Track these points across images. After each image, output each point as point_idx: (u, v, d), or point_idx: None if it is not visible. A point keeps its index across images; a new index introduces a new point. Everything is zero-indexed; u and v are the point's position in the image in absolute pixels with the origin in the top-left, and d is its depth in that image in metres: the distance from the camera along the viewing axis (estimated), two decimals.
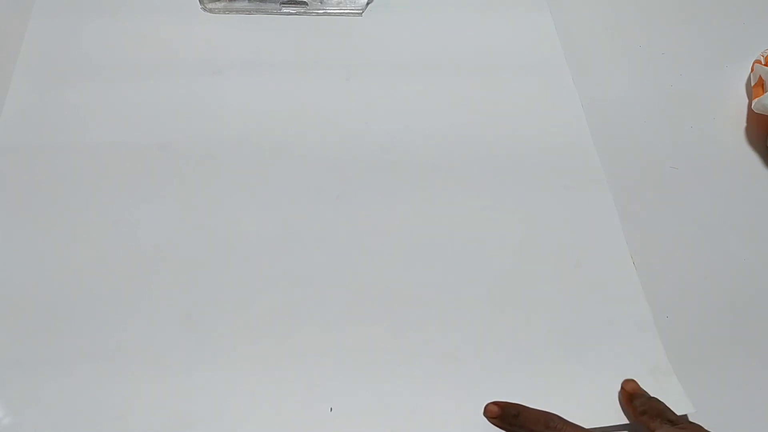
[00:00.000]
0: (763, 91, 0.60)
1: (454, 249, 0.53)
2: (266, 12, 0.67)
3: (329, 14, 0.67)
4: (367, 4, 0.68)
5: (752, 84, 0.62)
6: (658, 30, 0.70)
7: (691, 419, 0.44)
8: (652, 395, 0.45)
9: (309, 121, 0.60)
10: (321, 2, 0.67)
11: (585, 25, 0.69)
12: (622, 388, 0.46)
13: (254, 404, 0.45)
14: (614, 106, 0.63)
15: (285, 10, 0.67)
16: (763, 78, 0.60)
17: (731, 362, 0.49)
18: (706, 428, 0.42)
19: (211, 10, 0.67)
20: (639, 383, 0.46)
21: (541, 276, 0.52)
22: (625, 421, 0.45)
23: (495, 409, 0.45)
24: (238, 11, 0.67)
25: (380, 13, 0.68)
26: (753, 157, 0.60)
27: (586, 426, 0.43)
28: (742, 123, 0.62)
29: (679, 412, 0.44)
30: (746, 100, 0.64)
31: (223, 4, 0.67)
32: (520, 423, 0.44)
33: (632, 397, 0.45)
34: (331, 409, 0.45)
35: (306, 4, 0.67)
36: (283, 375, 0.46)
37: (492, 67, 0.65)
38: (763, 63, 0.62)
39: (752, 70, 0.63)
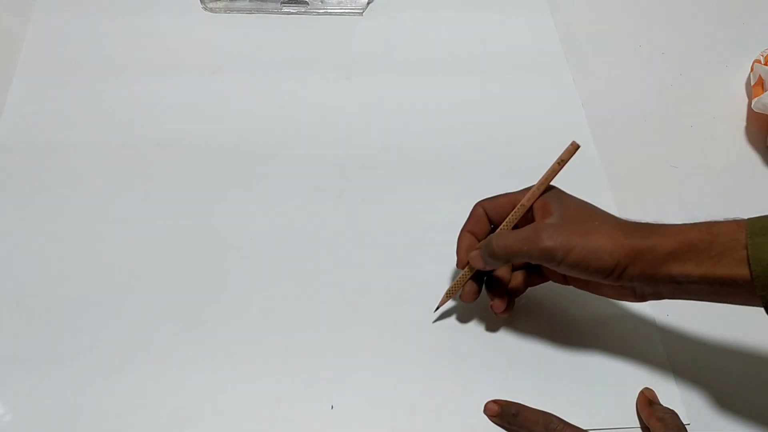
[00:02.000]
0: (763, 90, 0.60)
1: (454, 248, 0.52)
2: (267, 11, 0.67)
3: (330, 14, 0.68)
4: (368, 3, 0.68)
5: (752, 83, 0.62)
6: (658, 30, 0.70)
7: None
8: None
9: (309, 120, 0.60)
10: (322, 2, 0.67)
11: (585, 25, 0.70)
12: (641, 393, 0.46)
13: (255, 401, 0.45)
14: (614, 106, 0.63)
15: (286, 9, 0.67)
16: (763, 77, 0.60)
17: (731, 360, 0.49)
18: None
19: (212, 10, 0.67)
20: (639, 383, 0.47)
21: None
22: (624, 422, 0.45)
23: (495, 407, 0.45)
24: (238, 10, 0.67)
25: (381, 13, 0.68)
26: (753, 156, 0.60)
27: (585, 427, 0.43)
28: (742, 122, 0.63)
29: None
30: (746, 100, 0.64)
31: (223, 3, 0.67)
32: (519, 422, 0.44)
33: (651, 402, 0.45)
34: (332, 406, 0.45)
35: (307, 3, 0.67)
36: (284, 372, 0.46)
37: (492, 67, 0.65)
38: (762, 62, 0.62)
39: (752, 69, 0.63)
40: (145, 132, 0.58)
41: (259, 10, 0.67)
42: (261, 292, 0.50)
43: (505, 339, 0.48)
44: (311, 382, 0.46)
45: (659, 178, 0.58)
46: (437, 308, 0.48)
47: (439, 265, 0.51)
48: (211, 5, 0.67)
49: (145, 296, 0.49)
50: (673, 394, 0.46)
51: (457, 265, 0.47)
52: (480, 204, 0.46)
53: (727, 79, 0.66)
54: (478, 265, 0.45)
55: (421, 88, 0.63)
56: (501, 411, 0.44)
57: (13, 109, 0.58)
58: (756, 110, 0.59)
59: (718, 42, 0.69)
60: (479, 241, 0.46)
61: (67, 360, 0.46)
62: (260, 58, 0.64)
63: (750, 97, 0.63)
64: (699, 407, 0.46)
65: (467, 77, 0.64)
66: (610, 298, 0.44)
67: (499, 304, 0.46)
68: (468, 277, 0.47)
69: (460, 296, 0.47)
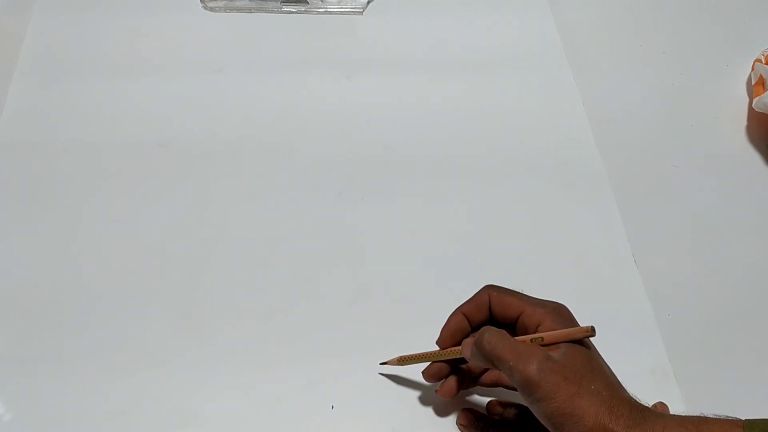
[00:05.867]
0: (764, 90, 0.59)
1: (455, 247, 0.53)
2: (267, 10, 0.67)
3: (330, 13, 0.68)
4: (368, 2, 0.68)
5: (753, 83, 0.62)
6: (659, 29, 0.70)
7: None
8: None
9: (310, 119, 0.60)
10: (322, 1, 0.67)
11: (586, 24, 0.69)
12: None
13: (255, 401, 0.45)
14: (615, 105, 0.63)
15: (286, 8, 0.67)
16: (764, 77, 0.60)
17: (732, 359, 0.49)
18: None
19: (212, 9, 0.67)
20: (639, 382, 0.46)
21: (543, 274, 0.52)
22: None
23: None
24: (239, 10, 0.67)
25: (381, 12, 0.68)
26: (754, 156, 0.60)
27: None
28: (743, 122, 0.62)
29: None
30: (747, 99, 0.64)
31: (224, 2, 0.67)
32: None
33: None
34: (332, 406, 0.45)
35: (307, 2, 0.67)
36: (284, 372, 0.46)
37: (493, 66, 0.65)
38: (763, 62, 0.62)
39: (753, 68, 0.63)
40: (145, 131, 0.58)
41: (259, 9, 0.67)
42: (261, 290, 0.50)
43: None
44: (311, 382, 0.46)
45: (660, 178, 0.58)
46: (384, 363, 0.45)
47: (441, 264, 0.52)
48: (211, 4, 0.67)
49: (145, 295, 0.49)
50: (673, 394, 0.46)
51: (437, 341, 0.42)
52: (487, 291, 0.41)
53: (728, 79, 0.66)
54: (465, 354, 0.39)
55: (422, 87, 0.63)
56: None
57: (13, 109, 0.58)
58: (757, 109, 0.59)
59: (718, 41, 0.69)
60: (470, 327, 0.41)
61: (67, 360, 0.46)
62: (260, 58, 0.64)
63: (751, 97, 0.63)
64: (699, 407, 0.46)
65: (468, 76, 0.64)
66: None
67: (448, 390, 0.42)
68: (442, 358, 0.42)
69: (424, 373, 0.43)
